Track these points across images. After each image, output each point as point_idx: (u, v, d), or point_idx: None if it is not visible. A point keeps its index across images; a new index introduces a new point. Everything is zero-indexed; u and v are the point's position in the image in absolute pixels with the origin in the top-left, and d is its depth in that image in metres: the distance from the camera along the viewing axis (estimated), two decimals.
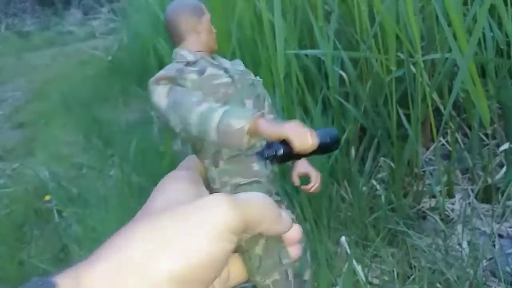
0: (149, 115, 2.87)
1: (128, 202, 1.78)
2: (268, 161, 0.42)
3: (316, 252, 1.18)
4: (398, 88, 1.40)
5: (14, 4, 8.23)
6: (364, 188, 1.42)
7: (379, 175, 1.50)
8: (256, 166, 0.47)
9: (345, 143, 1.50)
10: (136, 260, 0.29)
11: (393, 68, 1.32)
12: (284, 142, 0.41)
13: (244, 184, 0.44)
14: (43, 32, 7.53)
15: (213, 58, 0.53)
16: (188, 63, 0.49)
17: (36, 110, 3.63)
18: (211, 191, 0.43)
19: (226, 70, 0.50)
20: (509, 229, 1.25)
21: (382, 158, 1.50)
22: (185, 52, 0.51)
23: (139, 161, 2.10)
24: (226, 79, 0.48)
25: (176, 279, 0.29)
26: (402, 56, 1.36)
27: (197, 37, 0.51)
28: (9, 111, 3.85)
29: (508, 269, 1.11)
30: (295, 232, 0.38)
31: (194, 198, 0.34)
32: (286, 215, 0.34)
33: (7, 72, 5.14)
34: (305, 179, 0.51)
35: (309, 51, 1.60)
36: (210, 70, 0.49)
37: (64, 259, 1.63)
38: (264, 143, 0.45)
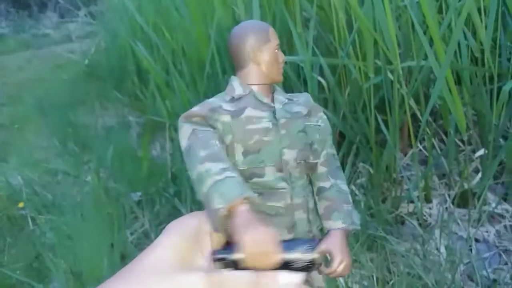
0: (127, 120, 2.84)
1: (105, 208, 1.74)
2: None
3: None
4: (376, 94, 1.42)
5: None
6: None
7: (358, 181, 1.51)
8: (273, 201, 0.43)
9: None
10: None
11: (371, 75, 1.33)
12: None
13: None
14: (18, 35, 7.38)
15: (273, 92, 0.47)
16: (233, 98, 0.45)
17: (10, 114, 3.54)
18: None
19: (273, 111, 0.44)
20: (485, 234, 1.27)
21: (361, 164, 1.51)
22: (236, 83, 0.46)
23: (116, 166, 2.07)
24: (265, 124, 0.43)
25: None
26: (379, 63, 1.38)
27: (256, 67, 0.45)
28: None
29: (484, 273, 1.12)
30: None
31: (180, 265, 0.34)
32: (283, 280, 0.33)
33: None
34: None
35: (288, 58, 1.60)
36: (249, 111, 0.43)
37: (38, 267, 1.59)
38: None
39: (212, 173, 0.38)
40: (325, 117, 0.48)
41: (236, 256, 0.34)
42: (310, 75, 1.45)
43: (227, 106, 0.43)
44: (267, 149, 0.42)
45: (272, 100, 0.46)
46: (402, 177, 1.46)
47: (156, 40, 2.51)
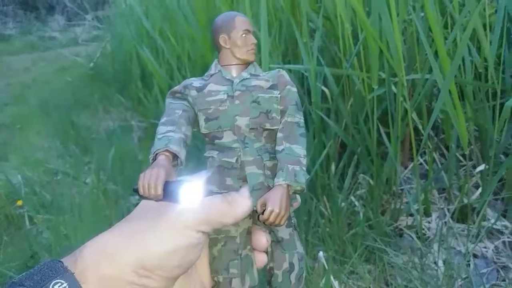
0: (129, 123, 2.85)
1: (103, 210, 1.74)
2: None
3: None
4: (379, 106, 1.42)
5: None
6: (343, 204, 1.42)
7: (358, 192, 1.51)
8: (230, 180, 0.50)
9: (325, 159, 1.51)
10: (108, 249, 0.39)
11: (375, 86, 1.34)
12: None
13: (216, 192, 0.49)
14: (25, 37, 7.44)
15: (245, 69, 0.56)
16: (206, 76, 0.55)
17: (13, 113, 3.55)
18: None
19: (231, 85, 0.53)
20: (483, 249, 1.26)
21: (361, 175, 1.51)
22: (213, 65, 0.56)
23: (116, 169, 2.07)
24: (221, 96, 0.52)
25: (139, 265, 0.38)
26: (383, 75, 1.38)
27: (228, 51, 0.55)
28: None
29: None
30: (261, 240, 0.50)
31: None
32: (242, 208, 0.45)
33: None
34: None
35: (293, 66, 1.61)
36: (210, 87, 0.53)
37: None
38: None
39: (158, 134, 0.49)
40: (292, 89, 0.55)
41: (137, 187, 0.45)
42: (314, 84, 1.46)
43: (196, 83, 0.53)
44: (223, 117, 0.51)
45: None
46: (402, 190, 1.46)
47: (161, 45, 2.53)
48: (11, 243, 1.74)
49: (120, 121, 2.92)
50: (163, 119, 0.51)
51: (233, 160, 0.51)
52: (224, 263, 0.49)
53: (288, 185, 0.49)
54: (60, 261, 0.39)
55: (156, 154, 0.48)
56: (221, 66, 0.55)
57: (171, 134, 0.49)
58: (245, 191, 0.46)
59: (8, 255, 1.67)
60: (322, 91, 1.56)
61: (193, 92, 0.52)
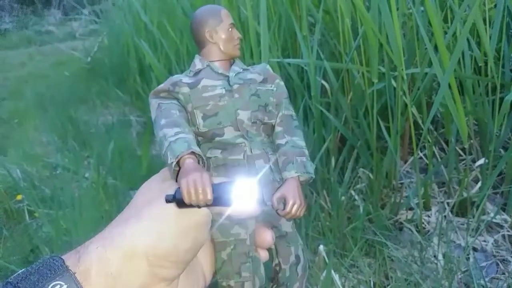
0: (128, 118, 2.84)
1: (103, 204, 1.74)
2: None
3: None
4: (378, 100, 1.42)
5: None
6: (343, 198, 1.42)
7: (358, 186, 1.51)
8: (239, 176, 0.47)
9: (325, 153, 1.51)
10: (116, 242, 0.38)
11: (375, 80, 1.34)
12: None
13: None
14: (21, 31, 7.39)
15: (232, 65, 0.54)
16: (193, 72, 0.51)
17: (10, 108, 3.54)
18: None
19: (227, 79, 0.51)
20: (483, 243, 1.27)
21: (361, 169, 1.52)
22: (198, 60, 0.53)
23: (116, 164, 2.07)
24: (219, 91, 0.49)
25: (152, 253, 0.37)
26: (383, 69, 1.38)
27: (214, 46, 0.53)
28: None
29: (482, 282, 1.12)
30: (266, 238, 0.48)
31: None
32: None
33: None
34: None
35: (292, 60, 1.60)
36: (204, 82, 0.50)
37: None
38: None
39: (168, 136, 0.45)
40: (281, 83, 0.54)
41: (178, 196, 0.41)
42: (314, 78, 1.45)
43: (186, 80, 0.50)
44: (223, 112, 0.48)
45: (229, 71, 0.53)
46: (401, 184, 1.47)
47: (160, 39, 2.52)
48: (11, 237, 1.74)
49: (118, 115, 2.92)
50: (162, 121, 0.46)
51: (240, 157, 0.49)
52: (236, 267, 0.47)
53: (298, 176, 0.49)
54: (61, 258, 0.36)
55: (179, 159, 0.44)
56: (208, 61, 0.53)
57: (183, 135, 0.45)
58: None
59: (8, 249, 1.67)
60: (322, 85, 1.56)
61: (185, 89, 0.49)
